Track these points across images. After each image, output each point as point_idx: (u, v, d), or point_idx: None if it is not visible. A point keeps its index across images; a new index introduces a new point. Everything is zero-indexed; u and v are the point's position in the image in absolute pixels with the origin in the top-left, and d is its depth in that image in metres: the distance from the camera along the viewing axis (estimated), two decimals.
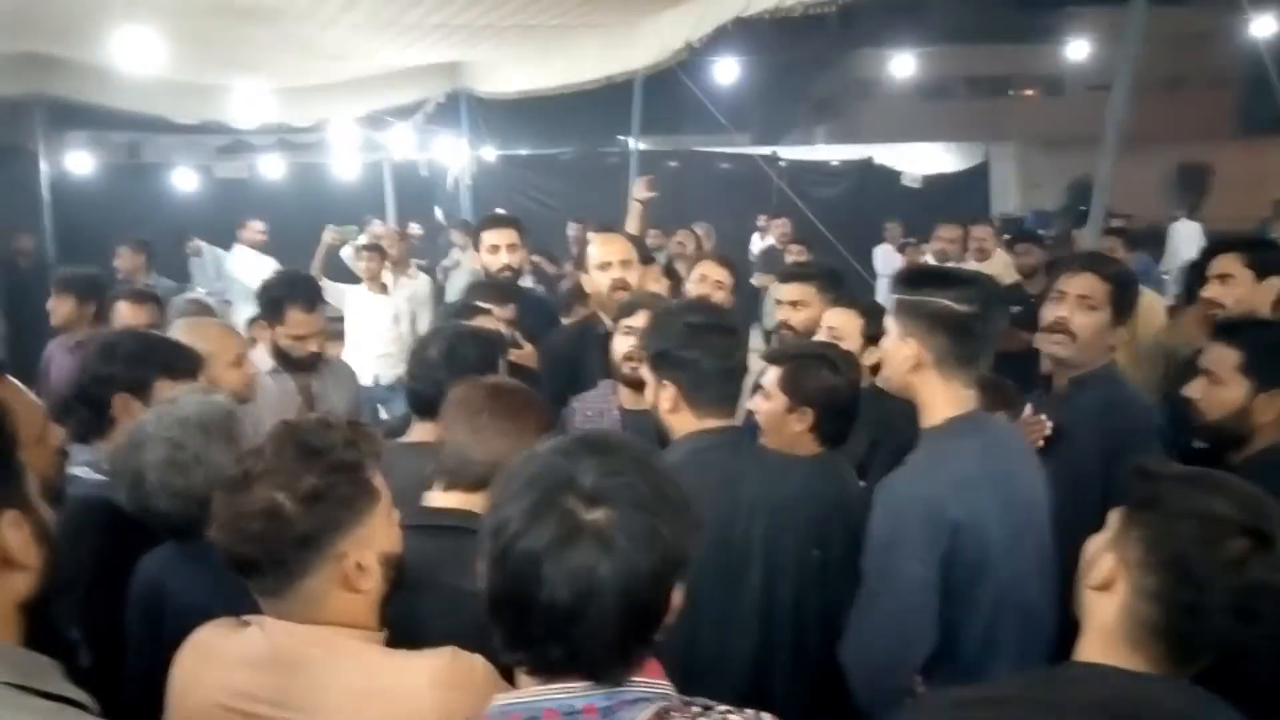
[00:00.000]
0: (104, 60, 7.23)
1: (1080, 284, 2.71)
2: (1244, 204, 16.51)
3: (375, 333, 6.49)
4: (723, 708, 1.16)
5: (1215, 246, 3.42)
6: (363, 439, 1.55)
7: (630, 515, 1.10)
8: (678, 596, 1.16)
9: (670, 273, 4.99)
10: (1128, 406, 2.64)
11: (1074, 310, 2.69)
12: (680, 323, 2.21)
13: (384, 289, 6.62)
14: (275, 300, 3.56)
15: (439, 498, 1.92)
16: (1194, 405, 2.45)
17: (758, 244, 11.18)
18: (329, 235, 6.82)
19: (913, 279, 2.19)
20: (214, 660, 1.52)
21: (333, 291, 6.06)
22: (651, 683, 1.14)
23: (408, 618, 1.59)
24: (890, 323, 2.16)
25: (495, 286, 3.83)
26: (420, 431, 2.47)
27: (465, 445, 1.91)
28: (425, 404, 2.42)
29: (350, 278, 6.82)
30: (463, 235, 9.67)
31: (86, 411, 2.34)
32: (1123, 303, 2.72)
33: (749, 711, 1.16)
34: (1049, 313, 2.75)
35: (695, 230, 8.20)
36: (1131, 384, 2.86)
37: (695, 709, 1.15)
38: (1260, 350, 2.38)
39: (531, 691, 1.12)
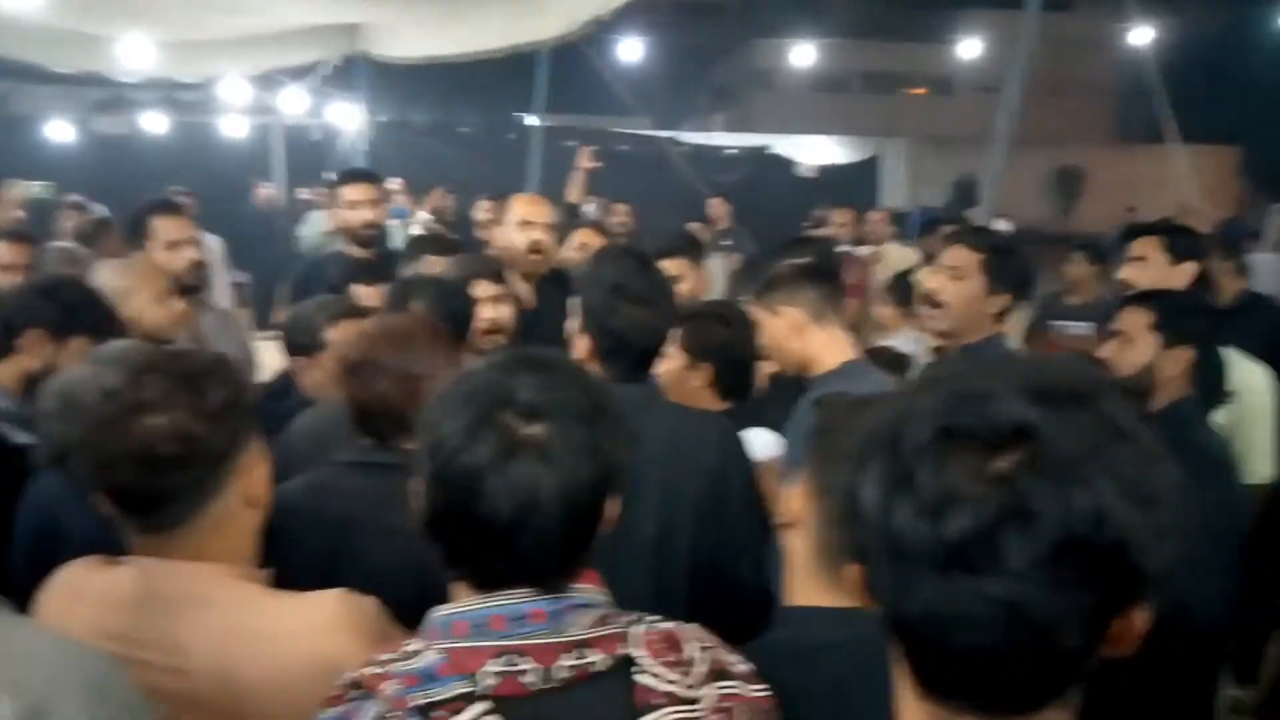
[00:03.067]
0: None
1: (951, 256, 2.82)
2: (1114, 209, 17.37)
3: None
4: (653, 618, 1.20)
5: (1134, 229, 3.54)
6: (224, 356, 1.53)
7: (569, 428, 1.11)
8: (614, 506, 1.19)
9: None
10: None
11: (945, 282, 2.81)
12: (608, 286, 2.20)
13: None
14: (136, 219, 3.46)
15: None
16: (1104, 364, 2.58)
17: None
18: (15, 192, 6.37)
19: (748, 269, 2.50)
20: (81, 600, 1.46)
21: None
22: (594, 590, 1.17)
23: (343, 556, 1.57)
24: (756, 312, 2.39)
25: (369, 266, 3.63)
26: None
27: None
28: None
29: None
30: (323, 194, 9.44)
31: None
32: (999, 272, 2.78)
33: (677, 623, 1.21)
34: (924, 287, 2.90)
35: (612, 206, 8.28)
36: (1016, 352, 3.00)
37: (631, 617, 1.19)
38: (1170, 310, 2.56)
39: (475, 600, 1.13)
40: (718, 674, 1.16)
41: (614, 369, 2.18)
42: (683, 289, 3.47)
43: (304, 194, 11.26)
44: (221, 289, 6.10)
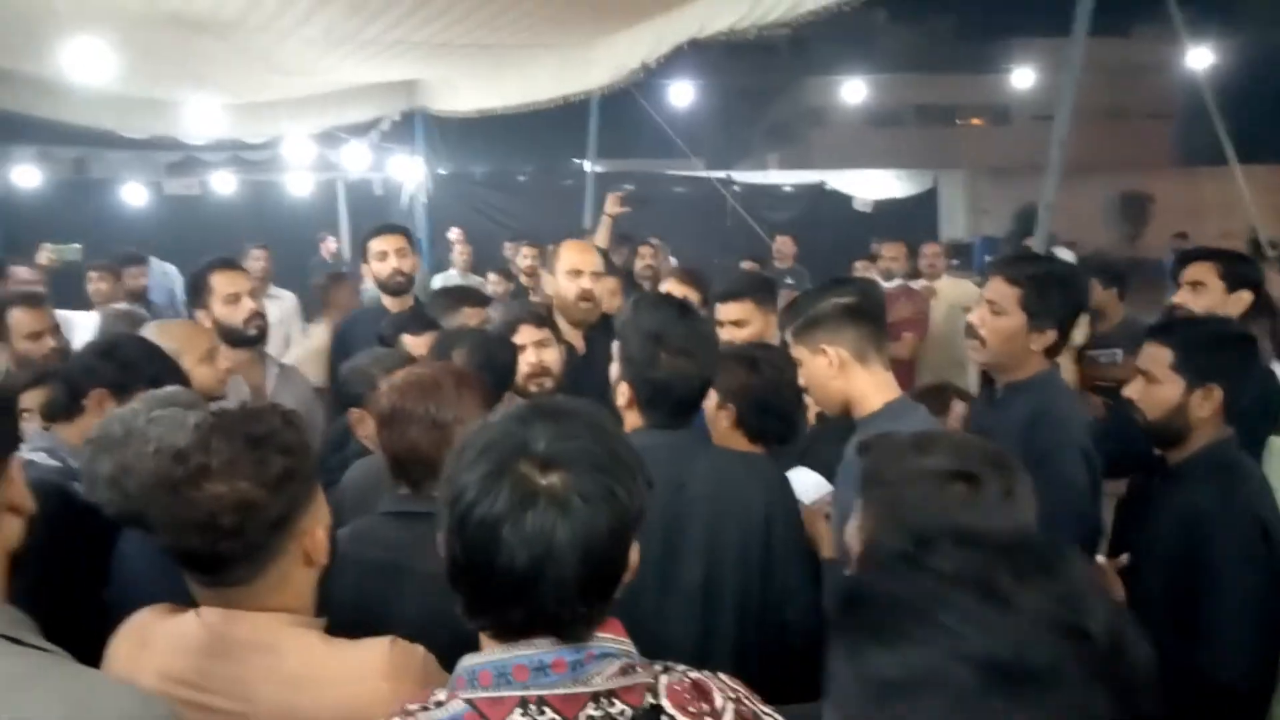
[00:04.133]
0: (51, 73, 7.12)
1: (990, 289, 2.68)
2: (1187, 231, 16.99)
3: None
4: (682, 667, 1.19)
5: (1191, 254, 3.46)
6: (291, 416, 1.57)
7: (585, 477, 1.12)
8: (634, 554, 1.19)
9: (634, 286, 5.04)
10: (1047, 417, 2.53)
11: (985, 316, 2.66)
12: (647, 334, 2.18)
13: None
14: (197, 277, 3.60)
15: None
16: (1134, 405, 2.47)
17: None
18: (45, 258, 6.41)
19: (791, 309, 2.40)
20: (151, 645, 1.51)
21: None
22: (616, 639, 1.17)
23: (381, 603, 1.59)
24: (797, 352, 2.34)
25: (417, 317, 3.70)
26: None
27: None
28: None
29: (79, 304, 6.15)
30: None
31: (63, 394, 2.37)
32: (1040, 306, 2.59)
33: (706, 672, 1.20)
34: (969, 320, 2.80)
35: (656, 247, 8.25)
36: (1068, 395, 2.78)
37: (658, 667, 1.18)
38: (1190, 348, 2.39)
39: (499, 650, 1.14)
40: None
41: (654, 417, 2.19)
42: (749, 332, 3.45)
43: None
44: (298, 342, 6.24)
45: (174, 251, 8.52)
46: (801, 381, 2.38)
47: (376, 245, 4.26)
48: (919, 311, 6.34)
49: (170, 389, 2.10)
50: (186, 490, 1.44)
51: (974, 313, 2.70)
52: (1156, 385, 2.41)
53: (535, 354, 3.09)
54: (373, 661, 1.45)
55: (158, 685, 1.45)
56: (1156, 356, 2.42)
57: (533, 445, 1.13)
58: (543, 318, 3.23)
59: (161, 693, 1.44)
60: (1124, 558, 2.25)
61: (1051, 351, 2.65)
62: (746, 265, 8.35)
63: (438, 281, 8.44)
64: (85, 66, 6.21)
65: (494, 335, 2.88)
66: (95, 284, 5.92)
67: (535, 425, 1.15)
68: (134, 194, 12.92)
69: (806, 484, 2.47)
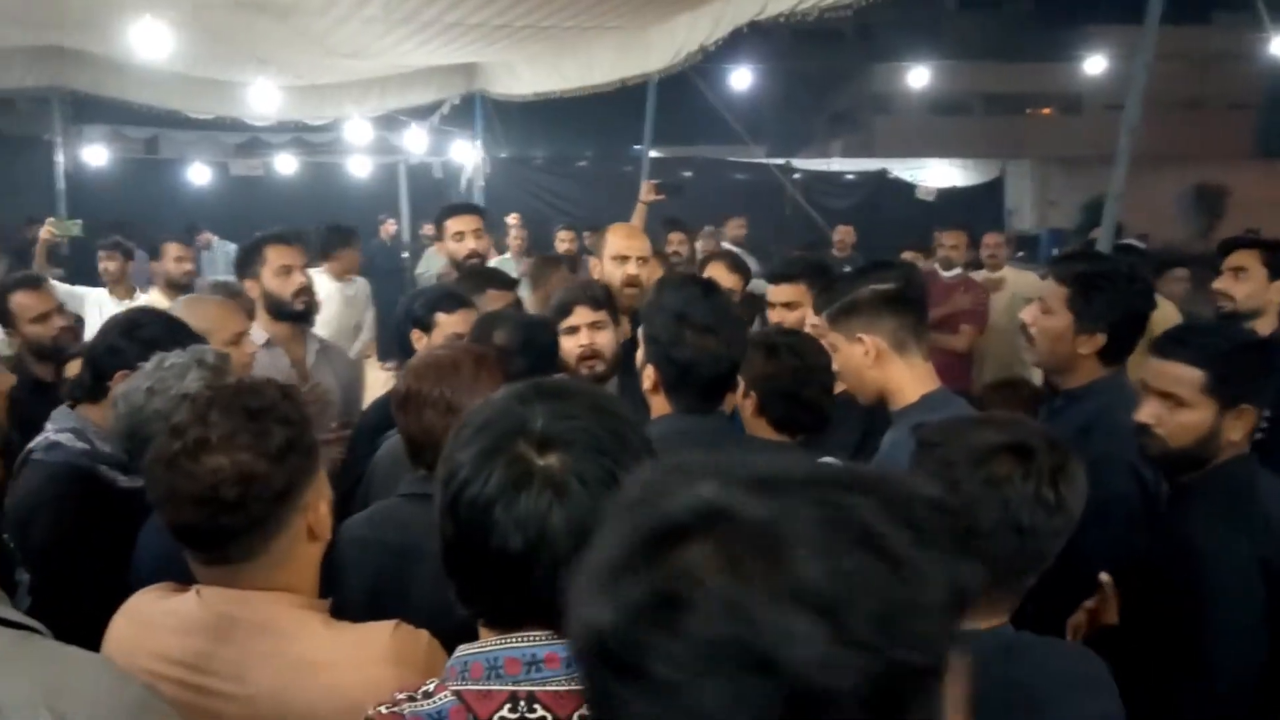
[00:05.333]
0: (121, 53, 7.26)
1: (1045, 288, 2.54)
2: (1256, 226, 16.44)
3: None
4: None
5: (1234, 241, 3.41)
6: (289, 390, 1.54)
7: (585, 459, 1.05)
8: None
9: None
10: (1100, 427, 2.33)
11: (1036, 314, 2.52)
12: (672, 314, 2.14)
13: (130, 294, 5.85)
14: (251, 247, 3.62)
15: None
16: (1150, 432, 2.11)
17: None
18: (45, 231, 6.39)
19: (829, 288, 2.30)
20: (150, 626, 1.49)
21: (62, 292, 5.07)
22: None
23: (399, 587, 1.57)
24: (832, 337, 2.25)
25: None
26: None
27: None
28: None
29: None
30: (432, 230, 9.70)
31: (89, 375, 2.36)
32: (1089, 308, 2.40)
33: None
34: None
35: (708, 233, 8.18)
36: (1128, 405, 2.34)
37: None
38: (1222, 366, 2.07)
39: (492, 641, 1.08)
40: None
41: (682, 400, 2.13)
42: (799, 315, 3.38)
43: (427, 230, 11.60)
44: (368, 326, 6.33)
45: (237, 231, 8.65)
46: (835, 368, 2.29)
47: (454, 225, 4.26)
48: (978, 303, 6.17)
49: (195, 350, 2.06)
50: (185, 463, 1.40)
51: (1027, 309, 2.59)
52: (1185, 410, 2.08)
53: (588, 336, 3.03)
54: (373, 647, 1.41)
55: (155, 666, 1.43)
56: (1182, 377, 2.08)
57: (531, 424, 1.06)
58: (599, 300, 3.14)
59: (158, 674, 1.43)
60: (1104, 576, 2.02)
61: (1110, 356, 2.44)
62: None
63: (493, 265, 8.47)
64: (150, 46, 6.32)
65: (533, 317, 2.84)
66: (104, 263, 5.96)
67: (535, 404, 1.09)
68: (200, 174, 13.17)
69: None
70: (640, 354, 2.23)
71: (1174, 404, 2.08)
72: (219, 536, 1.42)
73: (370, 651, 1.40)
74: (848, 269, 7.47)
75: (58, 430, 2.26)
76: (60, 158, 9.52)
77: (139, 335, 2.34)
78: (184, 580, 1.53)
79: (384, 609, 1.49)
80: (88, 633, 1.48)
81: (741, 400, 2.45)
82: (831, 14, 5.14)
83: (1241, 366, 2.09)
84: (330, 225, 6.41)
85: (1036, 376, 4.98)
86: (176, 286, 5.40)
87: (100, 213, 9.84)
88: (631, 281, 3.53)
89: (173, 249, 5.68)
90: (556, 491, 1.03)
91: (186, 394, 1.84)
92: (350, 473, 2.71)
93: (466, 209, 4.44)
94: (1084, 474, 1.47)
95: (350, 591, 1.57)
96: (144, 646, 1.47)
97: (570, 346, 2.98)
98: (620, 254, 3.58)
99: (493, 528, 1.03)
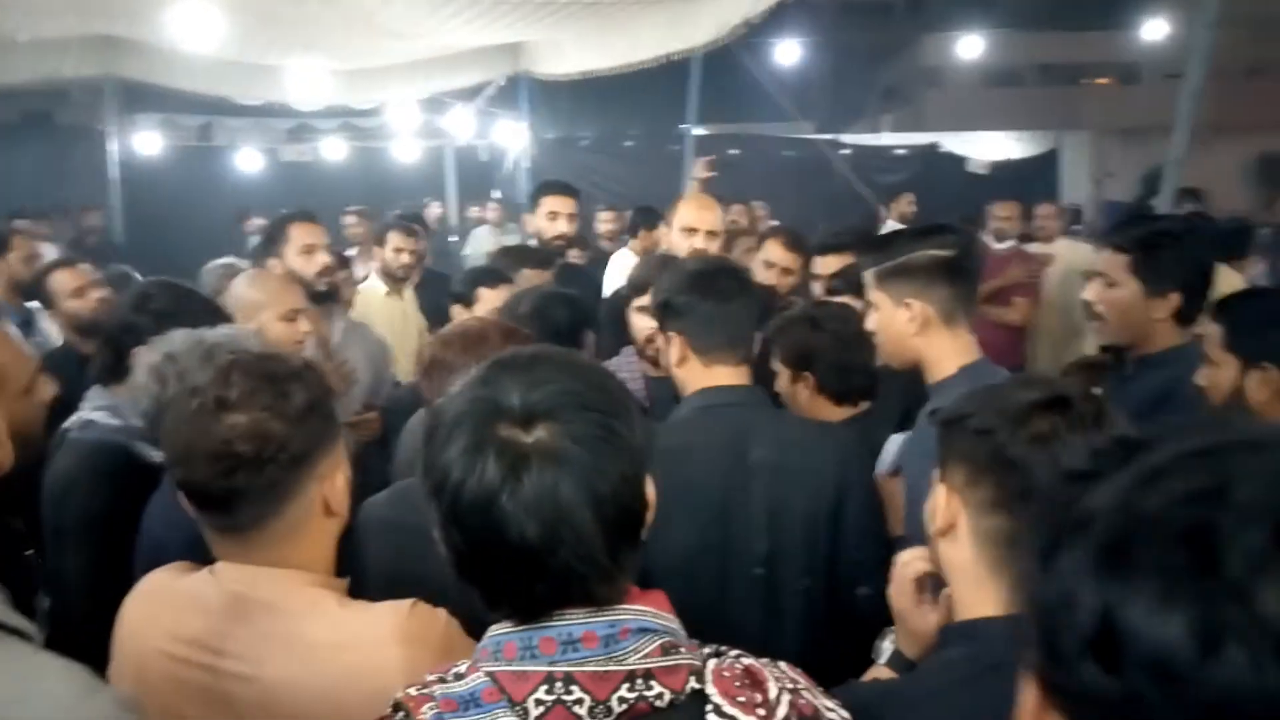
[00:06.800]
0: (171, 41, 7.34)
1: (1103, 260, 2.47)
2: None
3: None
4: (735, 652, 1.06)
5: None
6: (313, 362, 1.54)
7: (574, 421, 0.99)
8: (649, 490, 1.05)
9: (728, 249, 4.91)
10: (1176, 395, 2.30)
11: (1100, 290, 2.45)
12: (682, 271, 2.16)
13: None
14: (275, 226, 3.71)
15: None
16: (1203, 392, 2.18)
17: None
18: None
19: (884, 244, 2.16)
20: (165, 605, 1.48)
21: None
22: (657, 614, 1.03)
23: (419, 567, 1.55)
24: (876, 296, 2.11)
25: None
26: None
27: None
28: None
29: None
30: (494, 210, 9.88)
31: (109, 355, 2.36)
32: (1155, 271, 2.36)
33: (765, 660, 1.06)
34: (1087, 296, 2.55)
35: (752, 207, 8.07)
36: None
37: (707, 650, 1.05)
38: (1241, 323, 2.14)
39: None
40: None
41: (707, 350, 2.09)
42: None
43: (474, 212, 11.62)
44: None
45: None
46: (870, 326, 2.16)
47: (551, 203, 4.25)
48: (1032, 275, 6.04)
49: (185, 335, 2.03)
50: (203, 420, 1.38)
51: (1090, 287, 2.49)
52: (1215, 368, 2.15)
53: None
54: (386, 626, 1.38)
55: (167, 646, 1.42)
56: (1210, 334, 2.17)
57: (506, 403, 1.00)
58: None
59: (171, 654, 1.42)
60: None
61: (1185, 319, 2.39)
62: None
63: None
64: (200, 33, 6.39)
65: (554, 292, 2.81)
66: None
67: (503, 381, 1.02)
68: (250, 160, 13.31)
69: (890, 453, 2.33)
70: (662, 349, 2.21)
71: (1210, 362, 2.17)
72: (231, 498, 1.39)
73: (383, 631, 1.37)
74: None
75: (93, 408, 2.27)
76: (114, 146, 9.67)
77: (150, 308, 2.35)
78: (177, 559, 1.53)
79: (404, 589, 1.47)
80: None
81: (792, 386, 2.40)
82: None
83: (1259, 325, 2.13)
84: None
85: (1087, 347, 4.86)
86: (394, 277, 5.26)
87: (153, 200, 10.00)
88: (698, 254, 3.49)
89: (394, 238, 5.55)
90: (557, 463, 0.98)
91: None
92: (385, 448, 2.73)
93: (566, 189, 4.40)
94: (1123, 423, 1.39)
95: (370, 572, 1.55)
96: (157, 626, 1.46)
97: (641, 326, 2.95)
98: (690, 226, 3.55)
99: (504, 522, 0.97)
